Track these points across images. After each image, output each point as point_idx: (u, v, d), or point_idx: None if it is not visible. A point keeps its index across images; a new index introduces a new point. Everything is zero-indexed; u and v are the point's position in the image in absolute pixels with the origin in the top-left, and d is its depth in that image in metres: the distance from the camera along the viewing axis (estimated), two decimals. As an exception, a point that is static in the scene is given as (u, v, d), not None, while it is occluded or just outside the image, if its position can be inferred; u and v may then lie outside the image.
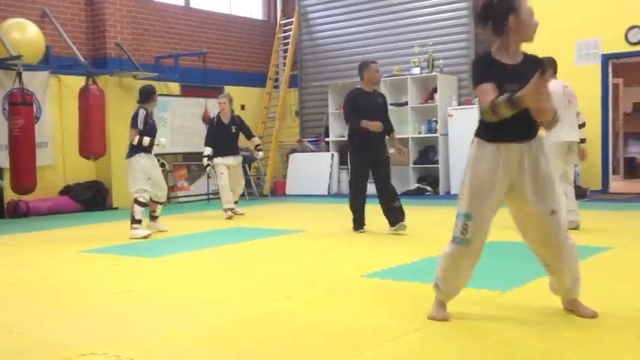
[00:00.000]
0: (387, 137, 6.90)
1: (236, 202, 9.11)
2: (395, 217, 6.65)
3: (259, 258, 5.67)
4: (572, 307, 3.42)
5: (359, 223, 6.87)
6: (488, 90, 3.14)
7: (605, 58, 10.56)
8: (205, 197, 11.87)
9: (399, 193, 7.25)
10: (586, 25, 10.50)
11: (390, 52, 12.55)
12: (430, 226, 7.11)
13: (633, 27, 10.22)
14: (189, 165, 11.91)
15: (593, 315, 3.34)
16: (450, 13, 12.02)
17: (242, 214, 9.06)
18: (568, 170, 6.43)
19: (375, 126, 6.60)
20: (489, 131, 3.23)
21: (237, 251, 6.08)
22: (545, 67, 3.12)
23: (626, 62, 11.26)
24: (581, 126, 6.52)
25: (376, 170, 6.76)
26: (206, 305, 3.89)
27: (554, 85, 6.20)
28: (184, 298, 4.11)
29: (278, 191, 13.01)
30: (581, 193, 9.55)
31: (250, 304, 3.88)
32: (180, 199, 11.59)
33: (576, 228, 6.26)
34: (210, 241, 6.66)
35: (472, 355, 2.86)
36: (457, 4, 11.93)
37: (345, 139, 11.99)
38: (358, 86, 6.95)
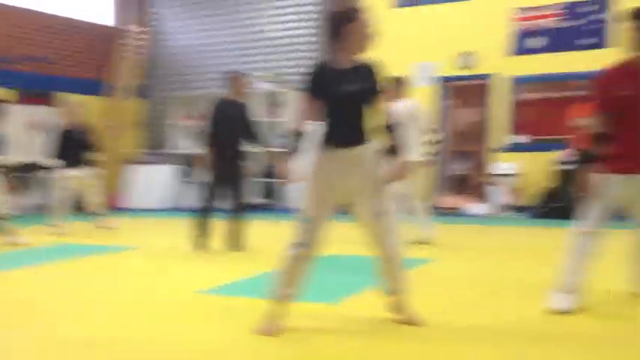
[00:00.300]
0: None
1: (94, 214, 8.68)
2: (230, 238, 6.64)
3: (90, 277, 5.42)
4: (398, 311, 3.61)
5: (199, 242, 6.66)
6: (303, 110, 3.47)
7: (441, 81, 11.30)
8: (38, 211, 11.24)
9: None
10: (424, 48, 11.18)
11: (242, 65, 12.63)
12: (272, 240, 7.10)
13: (465, 53, 11.00)
14: (25, 176, 11.25)
15: (419, 323, 3.56)
16: (301, 30, 12.34)
17: (111, 228, 8.63)
18: (414, 187, 6.62)
19: (205, 162, 6.60)
20: (326, 140, 3.43)
21: (64, 270, 5.70)
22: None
23: (457, 85, 12.12)
24: (430, 143, 6.78)
25: (227, 186, 6.69)
26: (26, 330, 3.66)
27: (403, 104, 6.46)
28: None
29: (116, 204, 12.57)
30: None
31: (79, 328, 3.70)
32: (13, 213, 10.89)
33: (427, 242, 6.57)
34: (34, 259, 6.22)
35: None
36: (307, 23, 12.27)
37: (189, 152, 12.01)
38: (225, 96, 6.88)
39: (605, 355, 3.10)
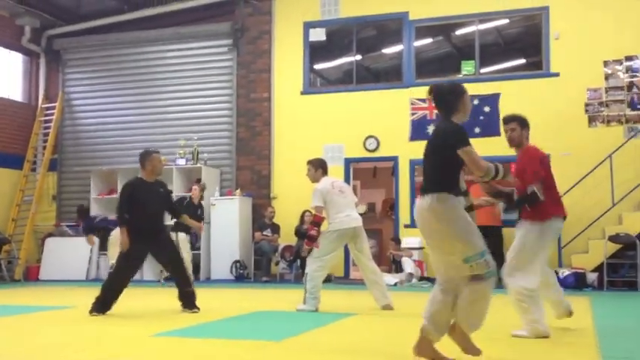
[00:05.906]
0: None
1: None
2: (189, 301, 6.64)
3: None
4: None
5: (101, 307, 6.39)
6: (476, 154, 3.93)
7: (347, 162, 12.18)
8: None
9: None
10: (332, 132, 12.08)
11: (157, 143, 13.07)
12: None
13: (370, 137, 11.98)
14: None
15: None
16: (216, 112, 13.04)
17: None
18: (366, 251, 6.95)
19: (124, 242, 6.38)
20: (455, 189, 3.92)
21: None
22: None
23: (363, 167, 13.11)
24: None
25: (161, 258, 6.80)
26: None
27: (323, 182, 6.95)
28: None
29: (31, 276, 12.47)
30: (327, 279, 10.71)
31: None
32: None
33: (392, 308, 6.78)
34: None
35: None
36: (223, 104, 13.01)
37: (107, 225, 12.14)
38: (139, 175, 6.80)
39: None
